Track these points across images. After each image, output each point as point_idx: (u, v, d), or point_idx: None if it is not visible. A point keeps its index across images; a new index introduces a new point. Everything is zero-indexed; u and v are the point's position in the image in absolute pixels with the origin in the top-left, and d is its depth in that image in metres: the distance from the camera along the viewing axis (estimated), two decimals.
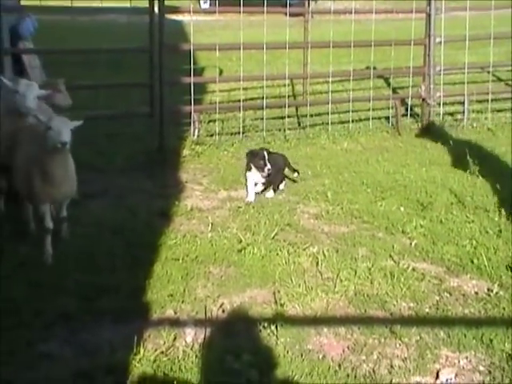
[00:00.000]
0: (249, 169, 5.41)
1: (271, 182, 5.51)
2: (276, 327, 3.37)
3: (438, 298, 3.77)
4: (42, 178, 4.14)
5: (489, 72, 8.93)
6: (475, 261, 4.17)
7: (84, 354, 3.19)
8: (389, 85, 9.49)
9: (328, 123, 7.71)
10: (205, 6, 22.02)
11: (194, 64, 7.11)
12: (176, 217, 5.04)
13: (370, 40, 7.80)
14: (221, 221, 4.97)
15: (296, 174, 5.79)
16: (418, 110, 8.30)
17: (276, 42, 8.49)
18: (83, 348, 3.24)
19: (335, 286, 3.84)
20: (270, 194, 5.53)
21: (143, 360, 3.12)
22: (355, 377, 3.05)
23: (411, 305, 3.68)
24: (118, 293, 3.71)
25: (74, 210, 4.99)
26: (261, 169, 5.32)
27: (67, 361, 3.12)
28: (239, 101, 7.56)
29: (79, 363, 3.10)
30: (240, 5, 7.18)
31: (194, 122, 7.15)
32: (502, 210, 5.00)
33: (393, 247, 4.43)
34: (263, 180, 5.42)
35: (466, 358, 3.19)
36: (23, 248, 4.33)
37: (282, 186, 5.67)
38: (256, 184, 5.44)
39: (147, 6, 7.01)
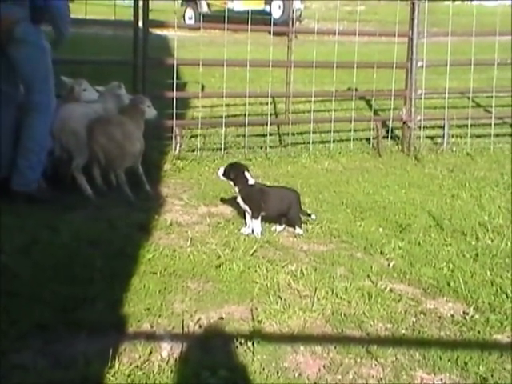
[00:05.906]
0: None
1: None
2: (253, 344, 3.36)
3: (414, 319, 3.78)
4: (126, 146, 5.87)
5: (469, 98, 9.02)
6: (452, 284, 4.19)
7: (58, 365, 3.14)
8: (370, 107, 9.56)
9: (309, 142, 7.74)
10: (190, 21, 22.09)
11: (177, 79, 7.12)
12: (155, 231, 5.02)
13: (353, 61, 7.87)
14: (200, 236, 4.96)
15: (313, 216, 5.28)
16: (398, 132, 8.37)
17: (259, 60, 8.55)
18: (57, 360, 3.19)
19: (313, 305, 3.84)
20: (279, 227, 5.18)
21: (118, 374, 3.08)
22: None
23: (388, 325, 3.69)
24: (95, 305, 3.68)
25: (53, 221, 4.99)
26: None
27: (40, 372, 3.07)
28: (221, 117, 7.57)
29: (53, 375, 3.05)
30: (224, 22, 7.22)
31: (175, 137, 7.15)
32: (479, 234, 5.06)
33: (371, 268, 4.44)
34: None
35: (441, 380, 3.20)
36: (1, 257, 4.28)
37: (298, 230, 5.12)
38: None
39: (132, 19, 7.03)
